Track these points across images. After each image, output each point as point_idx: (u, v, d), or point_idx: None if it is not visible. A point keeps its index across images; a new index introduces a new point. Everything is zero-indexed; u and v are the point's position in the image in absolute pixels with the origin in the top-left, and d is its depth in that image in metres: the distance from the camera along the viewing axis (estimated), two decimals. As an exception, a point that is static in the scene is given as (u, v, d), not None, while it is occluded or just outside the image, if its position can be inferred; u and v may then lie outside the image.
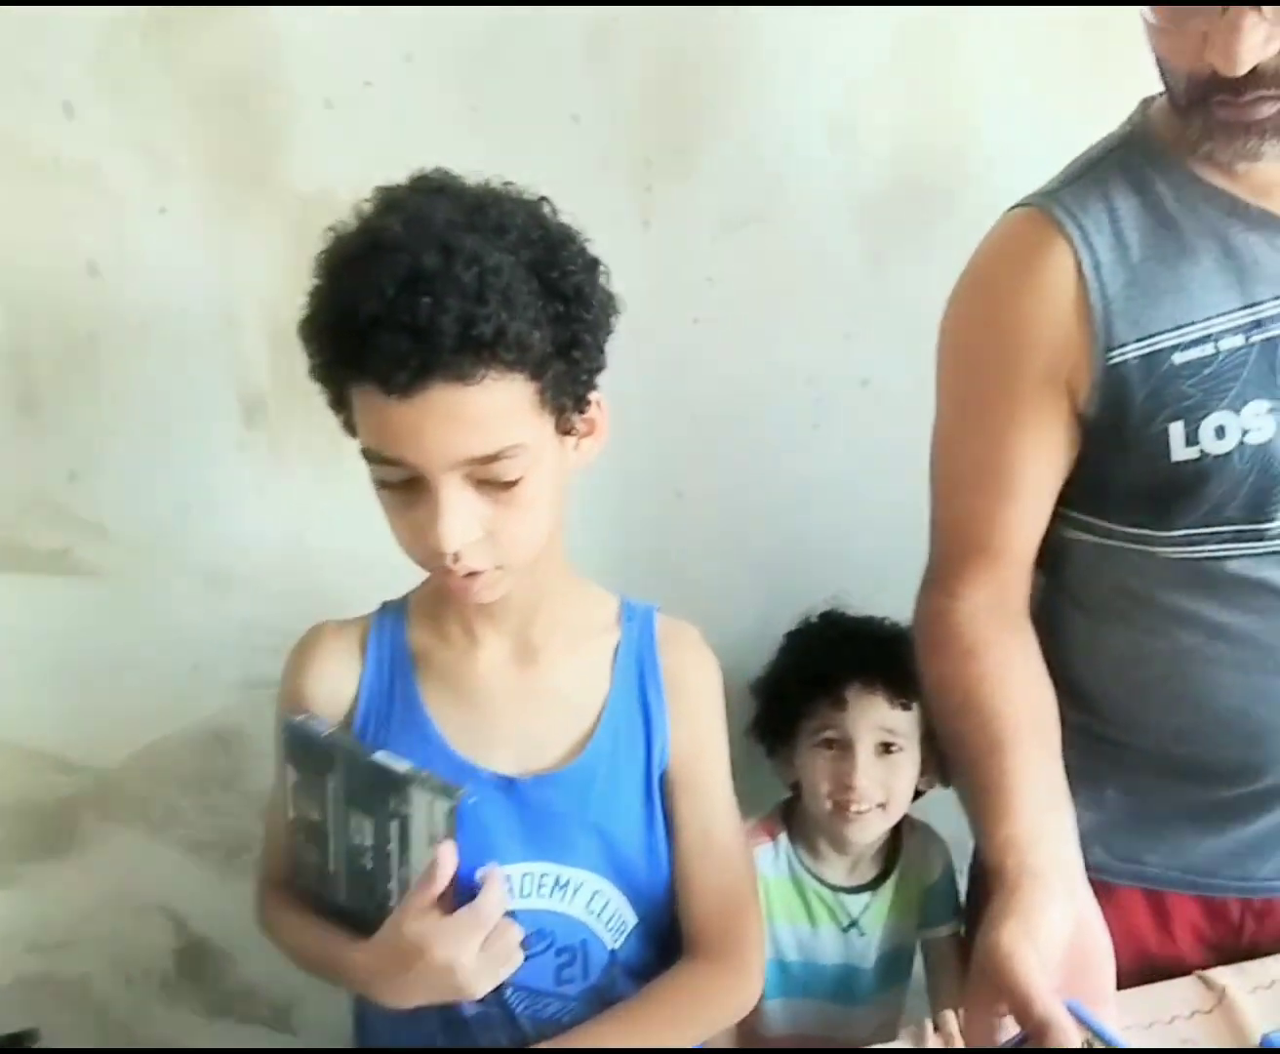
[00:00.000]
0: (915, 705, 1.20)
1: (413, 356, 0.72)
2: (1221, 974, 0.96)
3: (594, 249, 0.84)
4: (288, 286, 0.87)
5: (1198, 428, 0.85)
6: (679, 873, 0.97)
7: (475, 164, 0.83)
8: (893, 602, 1.13)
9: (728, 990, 0.97)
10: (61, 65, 1.04)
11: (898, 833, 1.29)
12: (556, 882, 0.93)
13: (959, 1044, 0.89)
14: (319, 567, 1.25)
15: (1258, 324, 0.85)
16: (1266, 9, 0.73)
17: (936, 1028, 0.92)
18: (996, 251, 0.92)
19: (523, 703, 0.94)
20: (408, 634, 0.95)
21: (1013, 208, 0.92)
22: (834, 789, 1.21)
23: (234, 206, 1.12)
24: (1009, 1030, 0.71)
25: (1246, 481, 0.86)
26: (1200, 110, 0.81)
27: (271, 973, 1.39)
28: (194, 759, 1.31)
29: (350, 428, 0.83)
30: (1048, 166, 0.93)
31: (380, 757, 0.84)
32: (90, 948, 1.37)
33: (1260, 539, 0.88)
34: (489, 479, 0.78)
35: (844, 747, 1.22)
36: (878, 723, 1.21)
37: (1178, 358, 0.85)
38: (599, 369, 0.85)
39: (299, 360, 0.82)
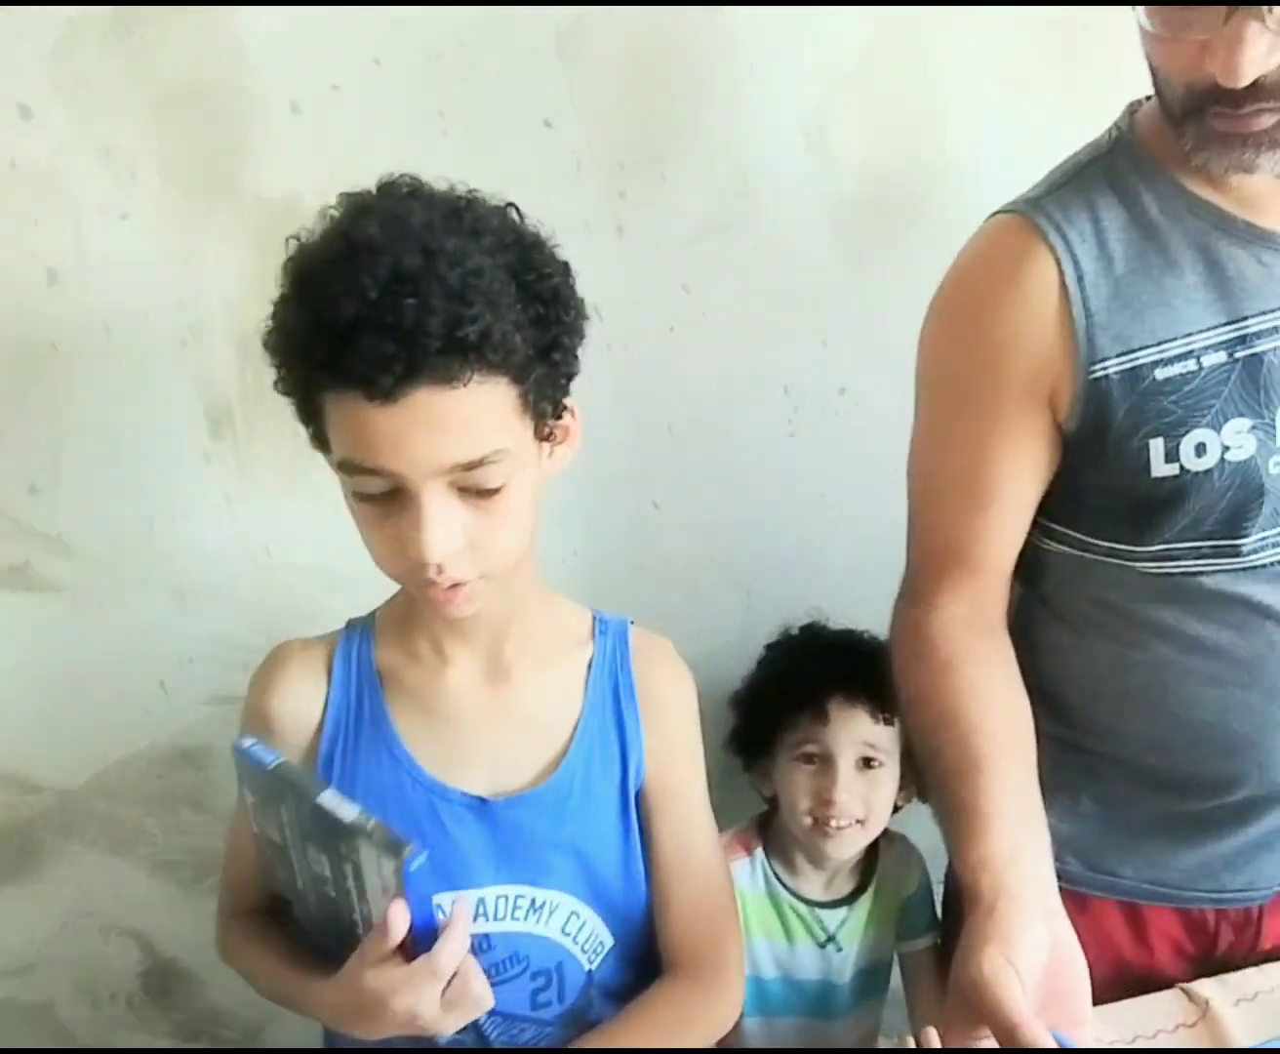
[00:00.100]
0: (897, 720, 1.20)
1: (398, 359, 0.71)
2: (1204, 987, 0.96)
3: (566, 256, 0.83)
4: (254, 294, 0.85)
5: (1178, 444, 0.85)
6: (656, 891, 0.96)
7: (445, 170, 0.82)
8: (869, 612, 1.12)
9: (708, 1008, 0.96)
10: (17, 67, 1.01)
11: (874, 845, 1.28)
12: (532, 904, 0.91)
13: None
14: (288, 580, 1.23)
15: (1242, 340, 0.84)
16: (1270, 19, 0.71)
17: (917, 1043, 0.91)
18: (979, 259, 0.91)
19: (494, 721, 0.92)
20: (375, 653, 0.93)
21: (996, 213, 0.91)
22: (813, 804, 1.20)
23: (198, 212, 1.09)
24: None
25: (1225, 498, 0.86)
26: (1195, 120, 0.79)
27: (241, 995, 1.35)
28: (160, 778, 1.29)
29: (320, 442, 0.81)
30: (1023, 170, 0.93)
31: (325, 799, 0.78)
32: (54, 972, 1.35)
33: (1236, 555, 0.88)
34: (471, 487, 0.77)
35: (824, 761, 1.21)
36: (859, 737, 1.20)
37: (1160, 373, 0.84)
38: (575, 374, 0.84)
39: (266, 369, 0.81)
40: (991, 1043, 0.70)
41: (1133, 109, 0.91)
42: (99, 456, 1.15)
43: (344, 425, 0.76)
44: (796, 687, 1.23)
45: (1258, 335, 0.84)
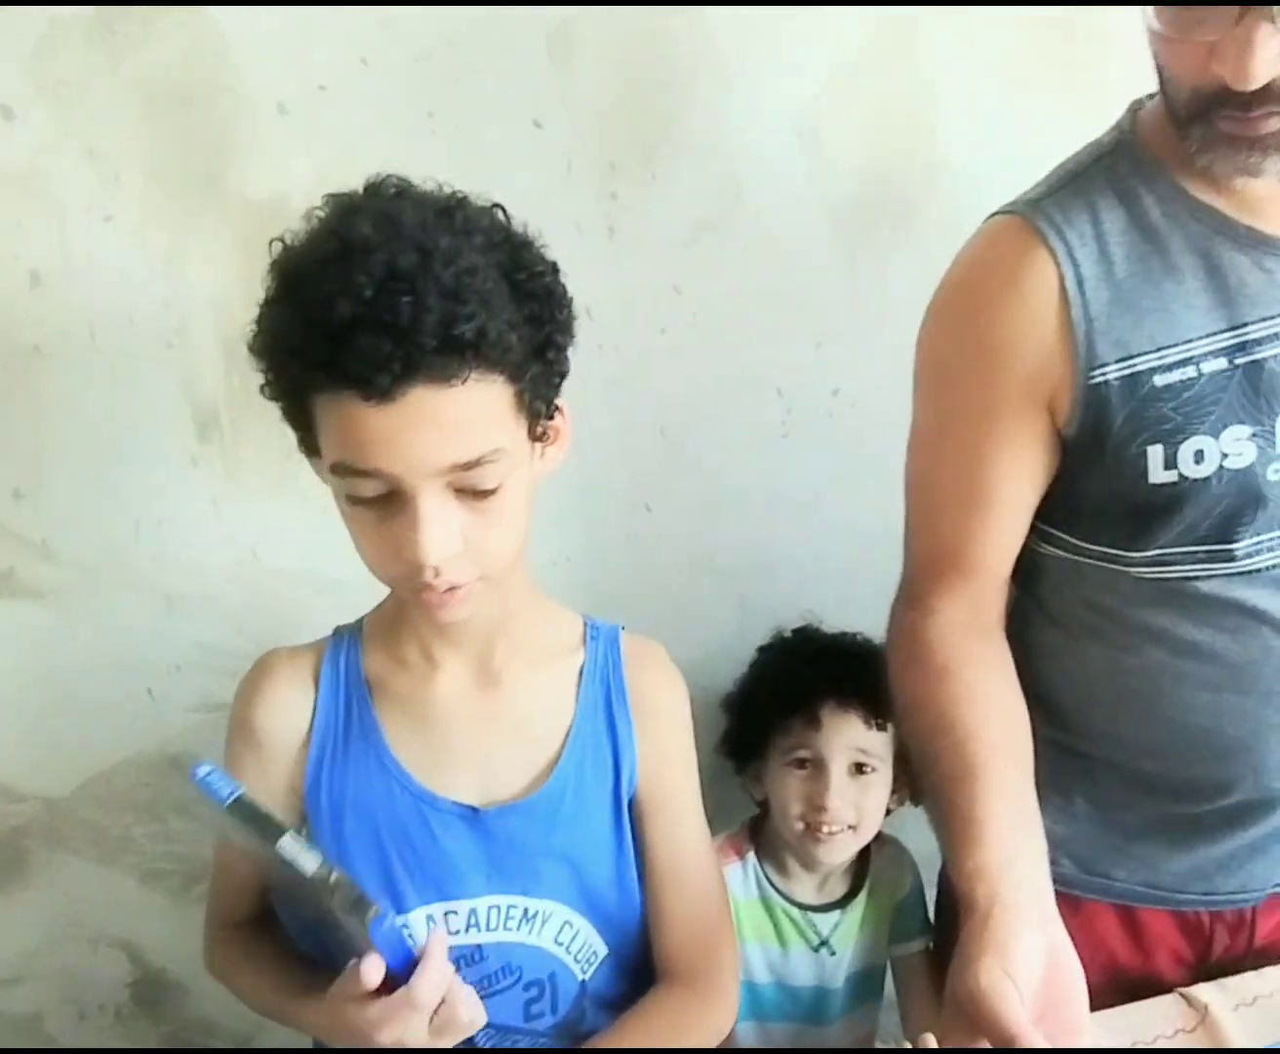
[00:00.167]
0: (890, 726, 1.19)
1: (394, 358, 0.70)
2: (1203, 991, 0.96)
3: (557, 257, 0.82)
4: (240, 296, 0.85)
5: (1176, 451, 0.84)
6: (650, 899, 0.95)
7: (435, 170, 0.81)
8: (862, 615, 1.11)
9: (703, 1016, 0.95)
10: (-2, 67, 1.00)
11: (866, 848, 1.27)
12: (524, 914, 0.90)
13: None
14: (276, 584, 1.22)
15: (1242, 347, 0.83)
16: None
17: (913, 1049, 0.91)
18: (978, 262, 0.90)
19: (485, 729, 0.91)
20: (363, 660, 0.92)
21: (995, 214, 0.90)
22: (805, 810, 1.20)
23: (183, 214, 1.08)
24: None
25: (1222, 504, 0.85)
26: (1201, 122, 0.78)
27: (231, 1006, 1.33)
28: (148, 786, 1.28)
29: (309, 447, 0.80)
30: (1019, 171, 0.92)
31: (284, 846, 0.72)
32: (41, 983, 1.34)
33: (1230, 560, 0.87)
34: (468, 487, 0.76)
35: (817, 766, 1.20)
36: (852, 743, 1.20)
37: (1159, 380, 0.83)
38: (566, 373, 0.84)
39: (253, 372, 0.79)
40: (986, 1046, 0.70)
41: (1136, 108, 0.90)
42: (83, 461, 1.13)
43: (338, 427, 0.75)
44: (789, 690, 1.22)
45: (1258, 342, 0.83)
